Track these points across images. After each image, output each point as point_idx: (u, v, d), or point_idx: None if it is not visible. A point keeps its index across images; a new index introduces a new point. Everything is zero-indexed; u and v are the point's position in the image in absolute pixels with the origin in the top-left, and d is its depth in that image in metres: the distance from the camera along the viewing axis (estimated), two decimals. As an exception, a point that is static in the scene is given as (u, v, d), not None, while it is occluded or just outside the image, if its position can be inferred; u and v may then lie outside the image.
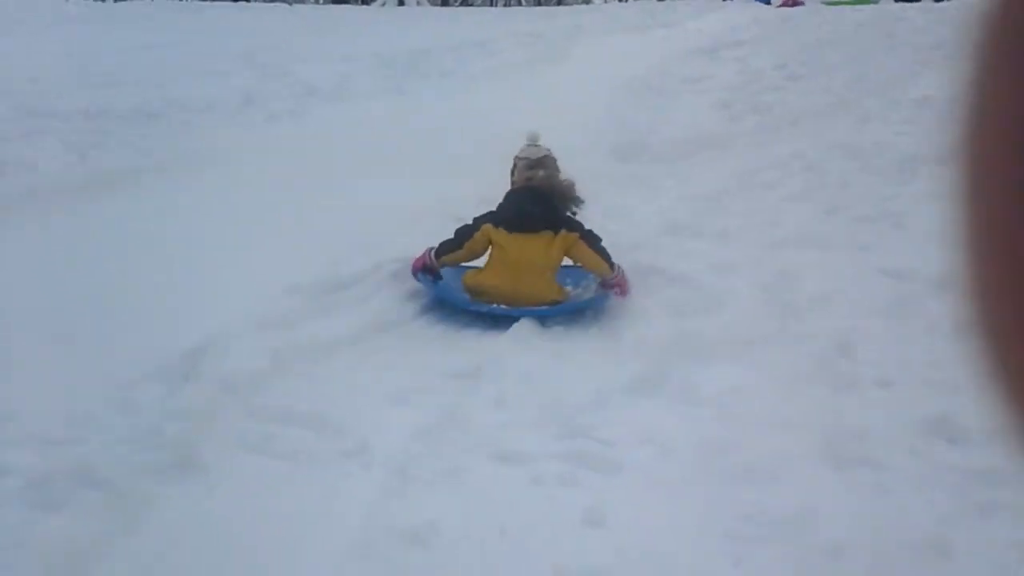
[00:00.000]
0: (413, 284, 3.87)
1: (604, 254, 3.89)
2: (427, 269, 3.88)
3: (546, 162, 4.03)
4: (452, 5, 25.89)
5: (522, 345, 3.41)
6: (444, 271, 3.96)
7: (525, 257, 3.78)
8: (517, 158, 4.12)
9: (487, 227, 3.87)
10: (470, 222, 3.96)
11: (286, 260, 3.99)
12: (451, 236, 3.94)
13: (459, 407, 2.92)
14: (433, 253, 3.89)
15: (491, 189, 4.17)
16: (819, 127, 6.89)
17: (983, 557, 2.27)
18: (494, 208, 3.98)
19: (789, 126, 7.08)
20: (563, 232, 3.86)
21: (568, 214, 3.95)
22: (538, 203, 3.86)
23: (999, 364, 0.29)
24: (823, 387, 3.05)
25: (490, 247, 3.91)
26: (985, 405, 0.31)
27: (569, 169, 4.23)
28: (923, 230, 4.34)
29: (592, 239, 3.91)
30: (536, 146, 4.13)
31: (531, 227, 3.82)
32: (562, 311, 3.78)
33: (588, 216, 4.06)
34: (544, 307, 3.74)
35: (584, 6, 24.53)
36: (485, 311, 3.73)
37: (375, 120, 7.47)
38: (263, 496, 2.47)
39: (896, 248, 4.27)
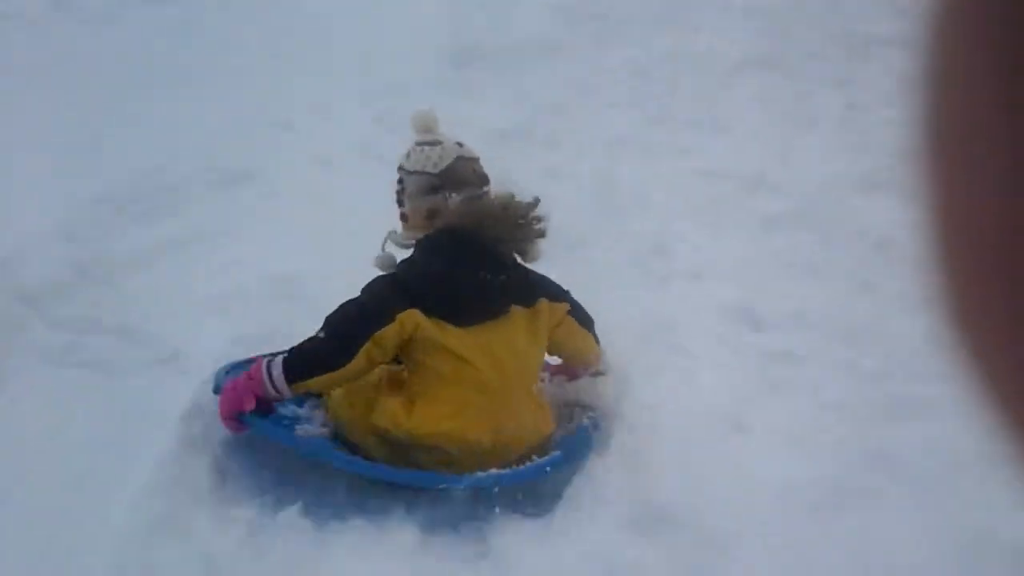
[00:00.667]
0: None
1: (591, 325, 2.41)
2: (259, 407, 2.11)
3: (475, 168, 2.26)
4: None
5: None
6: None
7: (510, 370, 2.14)
8: (410, 171, 2.24)
9: (411, 316, 2.06)
10: (354, 301, 2.12)
11: (95, 167, 3.77)
12: (317, 332, 2.11)
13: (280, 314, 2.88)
14: (281, 372, 2.07)
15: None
16: (651, 33, 7.01)
17: (777, 431, 2.46)
18: (395, 262, 2.23)
19: (623, 33, 7.17)
20: (543, 303, 2.22)
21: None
22: (498, 260, 2.15)
23: (976, 359, 0.27)
24: (638, 284, 3.19)
25: (416, 357, 2.12)
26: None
27: (397, 75, 4.09)
28: (744, 132, 4.55)
29: (575, 305, 2.35)
30: (436, 141, 2.26)
31: (495, 308, 2.14)
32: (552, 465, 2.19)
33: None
34: (527, 464, 2.17)
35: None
36: (404, 480, 2.11)
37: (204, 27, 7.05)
38: (71, 406, 2.38)
39: (715, 151, 4.45)
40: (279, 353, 2.16)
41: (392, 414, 2.08)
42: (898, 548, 1.97)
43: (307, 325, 2.18)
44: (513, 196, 2.19)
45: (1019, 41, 0.23)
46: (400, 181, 2.23)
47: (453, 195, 2.15)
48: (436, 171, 2.17)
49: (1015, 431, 0.25)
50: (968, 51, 0.25)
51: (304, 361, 2.08)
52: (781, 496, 2.12)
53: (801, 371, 2.68)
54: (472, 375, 2.08)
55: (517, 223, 2.14)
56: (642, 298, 3.06)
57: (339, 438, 2.18)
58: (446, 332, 2.07)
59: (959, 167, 0.26)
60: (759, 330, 2.95)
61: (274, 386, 2.06)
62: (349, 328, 2.06)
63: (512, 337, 2.15)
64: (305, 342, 2.10)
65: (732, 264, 3.32)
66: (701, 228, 3.64)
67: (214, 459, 2.21)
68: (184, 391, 2.37)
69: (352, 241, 2.66)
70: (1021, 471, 0.25)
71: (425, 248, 2.15)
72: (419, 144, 2.24)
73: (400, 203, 2.25)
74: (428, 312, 2.06)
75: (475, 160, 2.26)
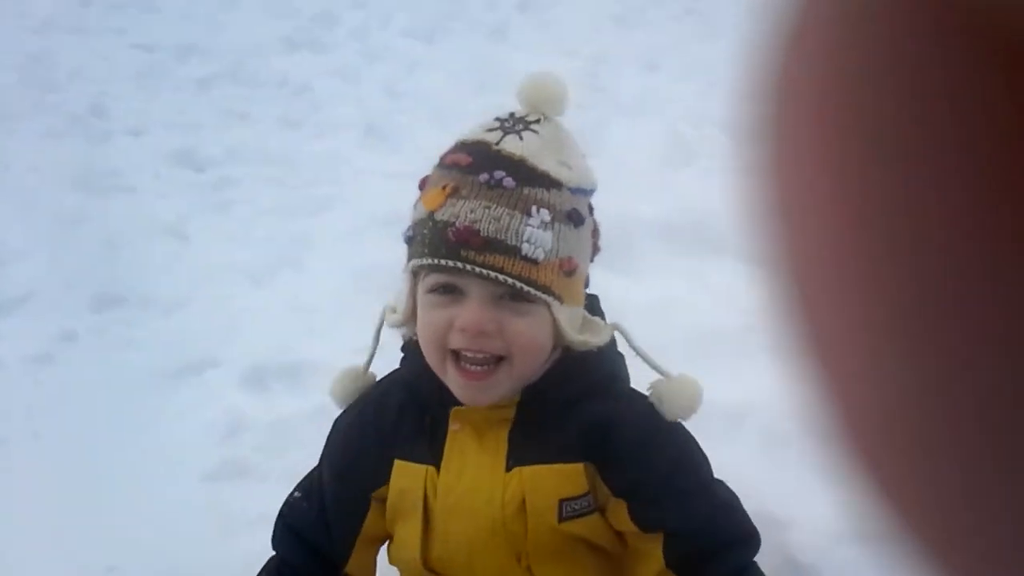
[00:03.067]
0: None
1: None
2: None
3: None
4: None
5: None
6: None
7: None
8: (583, 190, 1.06)
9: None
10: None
11: None
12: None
13: None
14: None
15: None
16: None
17: (219, 233, 2.86)
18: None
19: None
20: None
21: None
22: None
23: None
24: (79, 140, 3.37)
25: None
26: None
27: None
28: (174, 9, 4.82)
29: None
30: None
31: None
32: None
33: None
34: None
35: None
36: None
37: None
38: None
39: (147, 28, 4.65)
40: None
41: None
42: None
43: None
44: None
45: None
46: (578, 216, 1.03)
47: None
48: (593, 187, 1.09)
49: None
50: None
51: None
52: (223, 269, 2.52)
53: (239, 190, 3.12)
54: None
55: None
56: (87, 152, 3.26)
57: None
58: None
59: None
60: (201, 169, 3.32)
61: None
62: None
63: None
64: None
65: (171, 119, 3.64)
66: (140, 91, 3.90)
67: None
68: None
69: None
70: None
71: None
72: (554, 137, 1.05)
73: (569, 259, 1.03)
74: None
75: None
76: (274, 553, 1.15)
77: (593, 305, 1.13)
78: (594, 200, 1.10)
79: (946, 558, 0.19)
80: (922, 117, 0.15)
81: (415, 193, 1.06)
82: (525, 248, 0.97)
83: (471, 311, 0.98)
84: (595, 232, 1.08)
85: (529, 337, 1.00)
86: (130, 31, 4.64)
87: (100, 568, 1.50)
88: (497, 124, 1.03)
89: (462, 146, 1.04)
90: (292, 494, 1.15)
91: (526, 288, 0.97)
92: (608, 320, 1.12)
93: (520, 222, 0.97)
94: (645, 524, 1.04)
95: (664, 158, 2.97)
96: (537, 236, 0.97)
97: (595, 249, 1.09)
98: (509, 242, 0.96)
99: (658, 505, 1.03)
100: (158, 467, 1.77)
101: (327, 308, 2.27)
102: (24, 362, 2.11)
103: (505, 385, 1.02)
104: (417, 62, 4.17)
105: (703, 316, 2.04)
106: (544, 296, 0.99)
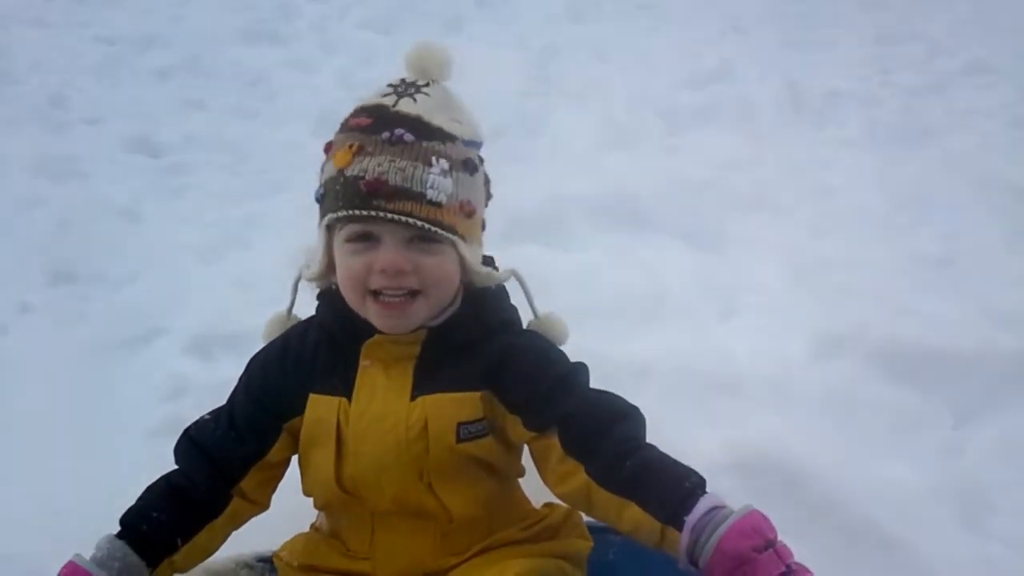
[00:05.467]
0: None
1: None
2: None
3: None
4: None
5: None
6: None
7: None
8: (472, 142, 1.22)
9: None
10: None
11: None
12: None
13: None
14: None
15: None
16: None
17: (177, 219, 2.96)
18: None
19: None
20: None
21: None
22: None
23: None
24: (37, 129, 3.47)
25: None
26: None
27: None
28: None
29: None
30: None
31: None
32: None
33: None
34: None
35: None
36: None
37: None
38: None
39: (109, 20, 4.74)
40: None
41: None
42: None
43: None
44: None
45: None
46: (472, 164, 1.18)
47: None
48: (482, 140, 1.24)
49: None
50: None
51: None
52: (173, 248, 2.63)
53: (193, 176, 3.23)
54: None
55: None
56: (44, 140, 3.36)
57: None
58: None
59: None
60: (156, 155, 3.43)
61: None
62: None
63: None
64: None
65: (129, 108, 3.74)
66: (100, 81, 4.00)
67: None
68: None
69: None
70: None
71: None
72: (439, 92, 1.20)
73: (467, 202, 1.17)
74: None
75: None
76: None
77: (488, 263, 1.25)
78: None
79: None
80: None
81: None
82: (430, 193, 1.09)
83: (387, 254, 1.11)
84: (487, 182, 1.23)
85: (440, 272, 1.14)
86: (92, 24, 4.73)
87: (48, 511, 1.61)
88: (391, 89, 1.16)
89: (362, 110, 1.16)
90: (202, 417, 1.26)
91: (433, 229, 1.10)
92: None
93: (423, 171, 1.10)
94: (540, 426, 1.15)
95: (599, 142, 3.11)
96: (439, 182, 1.10)
97: (487, 195, 1.23)
98: (415, 189, 1.09)
99: (548, 405, 1.15)
100: (107, 425, 1.89)
101: (270, 284, 2.36)
102: (-21, 333, 2.21)
103: (422, 314, 1.16)
104: (374, 53, 4.28)
105: (620, 285, 2.18)
106: (449, 235, 1.11)
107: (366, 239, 1.12)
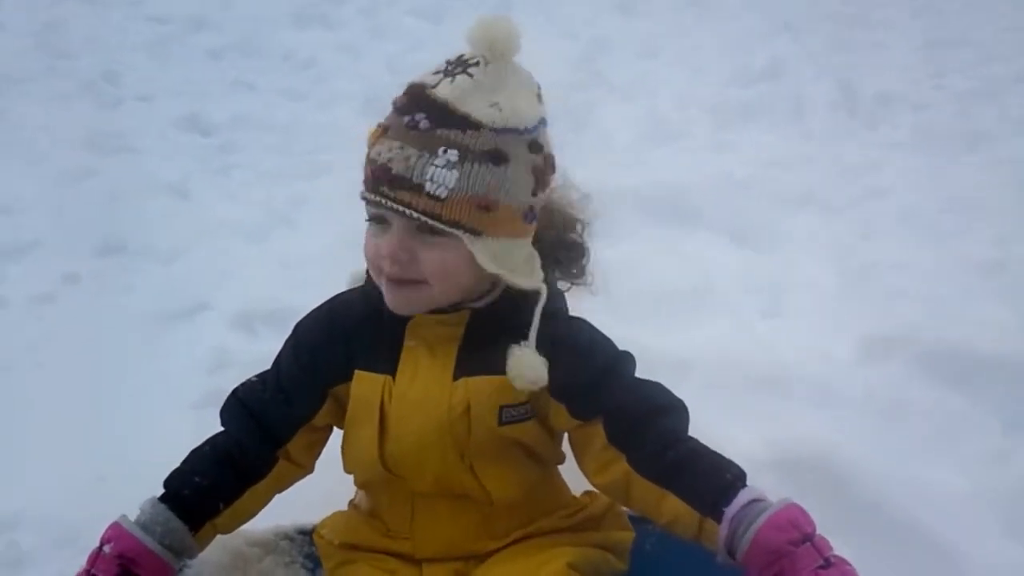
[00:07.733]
0: None
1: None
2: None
3: None
4: None
5: None
6: None
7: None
8: (505, 129, 1.10)
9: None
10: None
11: None
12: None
13: None
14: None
15: None
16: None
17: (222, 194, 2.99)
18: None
19: None
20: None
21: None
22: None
23: None
24: (90, 104, 3.52)
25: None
26: None
27: None
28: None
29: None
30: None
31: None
32: None
33: None
34: None
35: None
36: None
37: None
38: None
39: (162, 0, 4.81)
40: None
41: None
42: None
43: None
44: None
45: None
46: (500, 155, 1.09)
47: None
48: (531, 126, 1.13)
49: None
50: None
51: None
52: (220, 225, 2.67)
53: (241, 155, 3.26)
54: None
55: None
56: (96, 115, 3.41)
57: None
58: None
59: None
60: (206, 134, 3.47)
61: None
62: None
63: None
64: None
65: (180, 87, 3.79)
66: (152, 60, 4.05)
67: None
68: None
69: None
70: None
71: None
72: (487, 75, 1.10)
73: (482, 195, 1.09)
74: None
75: None
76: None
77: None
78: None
79: None
80: None
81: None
82: (428, 186, 1.04)
83: (388, 241, 1.09)
84: (536, 169, 1.12)
85: (440, 265, 1.09)
86: (145, 3, 4.79)
87: (91, 477, 1.63)
88: (444, 66, 1.11)
89: (408, 87, 1.11)
90: (249, 379, 1.26)
91: (431, 222, 1.06)
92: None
93: (425, 162, 1.04)
94: (585, 415, 1.14)
95: (646, 136, 3.09)
96: (440, 175, 1.04)
97: (540, 184, 1.14)
98: (414, 180, 1.04)
99: (595, 394, 1.13)
100: (151, 396, 1.91)
101: (315, 263, 2.40)
102: (28, 301, 2.25)
103: (424, 303, 1.14)
104: (422, 41, 4.30)
105: (664, 278, 2.17)
106: (453, 230, 1.06)
107: (381, 222, 1.11)
